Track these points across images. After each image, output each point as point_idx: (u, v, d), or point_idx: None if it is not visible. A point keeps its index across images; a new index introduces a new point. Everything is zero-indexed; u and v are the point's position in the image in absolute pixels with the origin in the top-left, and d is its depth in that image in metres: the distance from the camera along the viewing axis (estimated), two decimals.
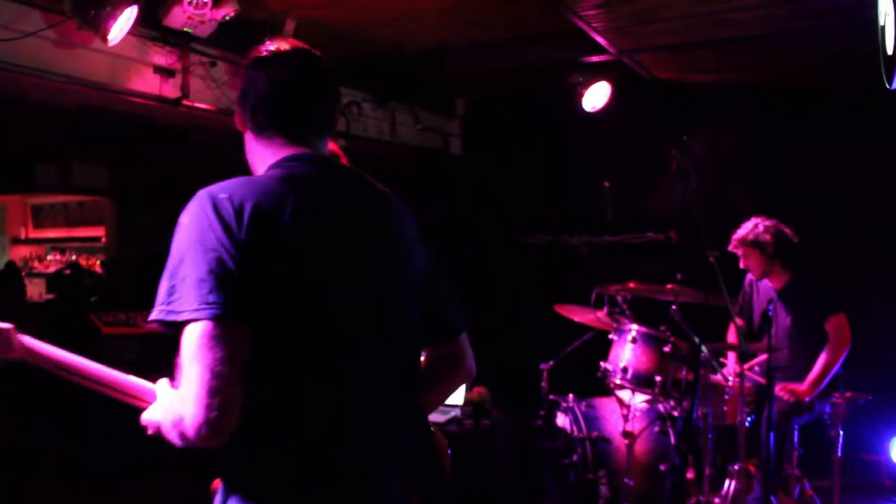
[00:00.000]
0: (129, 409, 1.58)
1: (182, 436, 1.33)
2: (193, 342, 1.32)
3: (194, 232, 1.38)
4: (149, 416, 1.50)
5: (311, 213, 1.46)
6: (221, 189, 1.43)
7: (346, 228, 1.51)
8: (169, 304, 1.35)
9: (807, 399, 4.04)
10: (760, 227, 4.21)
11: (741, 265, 4.27)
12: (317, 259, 1.45)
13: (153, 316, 1.38)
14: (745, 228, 4.24)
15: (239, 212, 1.38)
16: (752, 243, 4.19)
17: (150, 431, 1.49)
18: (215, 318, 1.32)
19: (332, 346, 1.44)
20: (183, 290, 1.35)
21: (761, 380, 3.95)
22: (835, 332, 4.05)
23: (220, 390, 1.30)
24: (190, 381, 1.31)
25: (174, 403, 1.36)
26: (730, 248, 4.27)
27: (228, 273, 1.34)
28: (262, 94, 1.57)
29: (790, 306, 4.20)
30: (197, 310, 1.32)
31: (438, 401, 1.78)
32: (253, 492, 1.40)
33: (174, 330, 1.36)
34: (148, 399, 1.56)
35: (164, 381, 1.56)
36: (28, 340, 1.54)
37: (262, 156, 1.60)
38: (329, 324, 1.44)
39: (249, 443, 1.38)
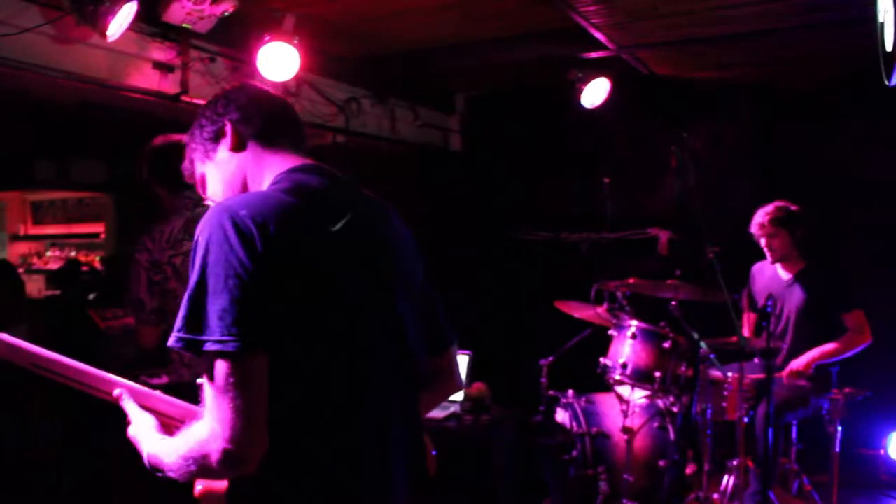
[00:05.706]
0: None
1: (205, 469, 1.30)
2: (218, 375, 1.28)
3: (214, 253, 1.30)
4: (145, 445, 1.44)
5: (331, 230, 1.43)
6: (240, 205, 1.36)
7: (361, 243, 1.49)
8: (189, 331, 1.30)
9: (810, 371, 4.06)
10: (792, 207, 4.21)
11: (764, 245, 4.26)
12: (339, 278, 1.41)
13: (171, 342, 1.32)
14: (772, 209, 4.23)
15: (263, 232, 1.31)
16: (785, 221, 4.19)
17: (143, 456, 1.44)
18: (240, 351, 1.27)
19: (358, 370, 1.42)
20: (203, 318, 1.29)
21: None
22: (855, 326, 4.10)
23: (249, 423, 1.27)
24: (217, 415, 1.28)
25: (194, 438, 1.32)
26: (754, 227, 4.25)
27: (252, 299, 1.29)
28: (270, 105, 1.60)
29: (801, 295, 4.22)
30: (219, 341, 1.27)
31: (426, 412, 1.76)
32: None
33: (196, 354, 1.32)
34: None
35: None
36: (6, 337, 1.48)
37: (264, 169, 1.55)
38: (354, 346, 1.42)
39: (269, 468, 1.34)
